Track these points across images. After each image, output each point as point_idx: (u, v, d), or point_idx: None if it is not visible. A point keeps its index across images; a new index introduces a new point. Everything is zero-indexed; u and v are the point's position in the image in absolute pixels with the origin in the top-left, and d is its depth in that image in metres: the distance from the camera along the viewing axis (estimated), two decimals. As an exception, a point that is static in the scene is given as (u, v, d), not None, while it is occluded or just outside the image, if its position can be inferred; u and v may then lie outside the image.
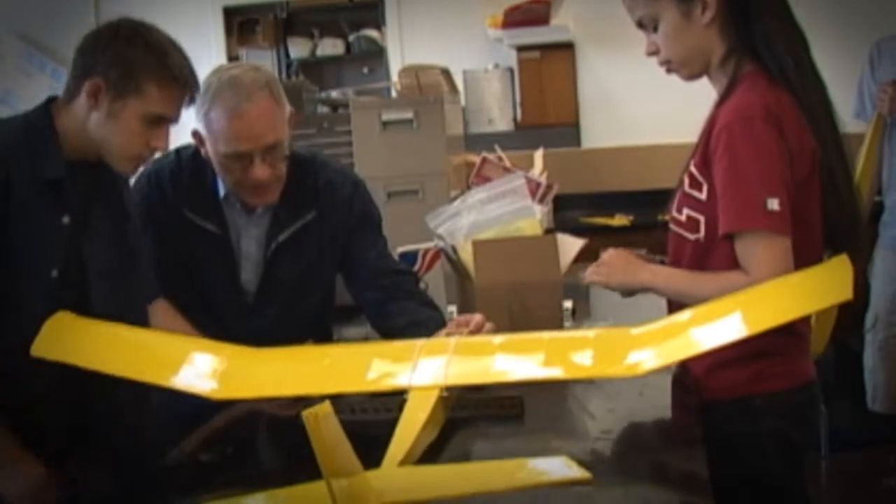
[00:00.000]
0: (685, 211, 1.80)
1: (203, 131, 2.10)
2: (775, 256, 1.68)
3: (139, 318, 1.93)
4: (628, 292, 1.92)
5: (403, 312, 2.20)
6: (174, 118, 1.88)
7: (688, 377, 1.84)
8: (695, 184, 1.77)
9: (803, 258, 1.69)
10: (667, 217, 1.88)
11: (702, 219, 1.77)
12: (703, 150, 1.76)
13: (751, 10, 1.77)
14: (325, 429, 1.12)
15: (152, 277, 2.10)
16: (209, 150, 2.12)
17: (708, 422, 1.69)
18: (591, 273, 1.97)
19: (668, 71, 1.86)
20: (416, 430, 1.48)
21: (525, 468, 1.44)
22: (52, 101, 1.86)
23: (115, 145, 1.82)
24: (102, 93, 1.78)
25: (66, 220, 1.80)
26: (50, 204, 1.78)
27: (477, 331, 1.92)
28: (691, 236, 1.79)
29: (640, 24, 1.85)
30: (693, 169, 1.78)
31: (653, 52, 1.85)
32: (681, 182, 1.82)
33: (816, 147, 1.73)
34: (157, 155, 2.03)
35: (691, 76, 1.86)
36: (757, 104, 1.71)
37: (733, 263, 1.72)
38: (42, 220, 1.78)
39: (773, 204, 1.66)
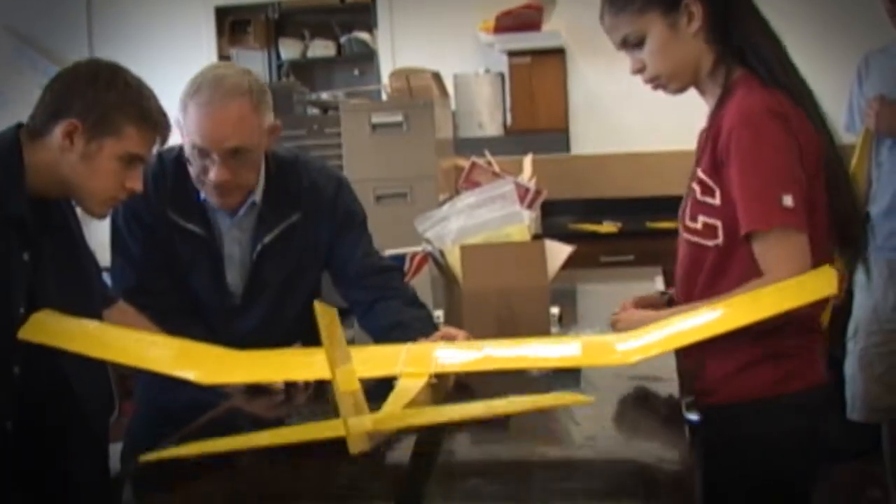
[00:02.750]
0: (700, 218, 1.79)
1: (181, 120, 2.10)
2: (793, 253, 1.69)
3: None
4: None
5: (388, 313, 2.22)
6: (147, 160, 1.88)
7: (697, 383, 1.83)
8: (707, 190, 1.77)
9: (814, 254, 1.70)
10: (678, 226, 1.88)
11: (719, 223, 1.77)
12: (712, 156, 1.76)
13: (731, 16, 1.79)
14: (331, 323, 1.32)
15: (104, 287, 2.08)
16: (184, 139, 2.12)
17: (731, 425, 1.72)
18: None
19: (656, 87, 1.87)
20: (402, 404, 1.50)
21: (526, 399, 1.50)
22: (19, 128, 1.81)
23: (91, 187, 1.79)
24: (78, 134, 1.75)
25: (26, 256, 1.77)
26: (11, 241, 1.74)
27: None
28: (710, 243, 1.79)
29: (624, 43, 1.86)
30: (703, 175, 1.78)
31: (639, 70, 1.86)
32: (691, 191, 1.82)
33: (822, 140, 1.75)
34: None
35: (679, 89, 1.86)
36: (759, 104, 1.72)
37: (755, 263, 1.72)
38: (6, 258, 1.74)
39: (788, 200, 1.67)
